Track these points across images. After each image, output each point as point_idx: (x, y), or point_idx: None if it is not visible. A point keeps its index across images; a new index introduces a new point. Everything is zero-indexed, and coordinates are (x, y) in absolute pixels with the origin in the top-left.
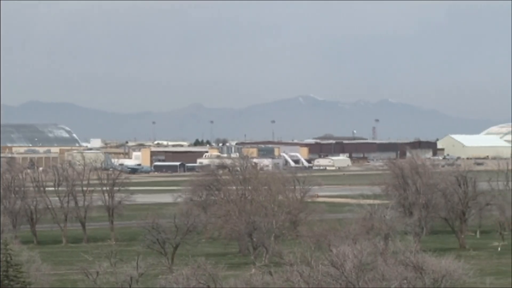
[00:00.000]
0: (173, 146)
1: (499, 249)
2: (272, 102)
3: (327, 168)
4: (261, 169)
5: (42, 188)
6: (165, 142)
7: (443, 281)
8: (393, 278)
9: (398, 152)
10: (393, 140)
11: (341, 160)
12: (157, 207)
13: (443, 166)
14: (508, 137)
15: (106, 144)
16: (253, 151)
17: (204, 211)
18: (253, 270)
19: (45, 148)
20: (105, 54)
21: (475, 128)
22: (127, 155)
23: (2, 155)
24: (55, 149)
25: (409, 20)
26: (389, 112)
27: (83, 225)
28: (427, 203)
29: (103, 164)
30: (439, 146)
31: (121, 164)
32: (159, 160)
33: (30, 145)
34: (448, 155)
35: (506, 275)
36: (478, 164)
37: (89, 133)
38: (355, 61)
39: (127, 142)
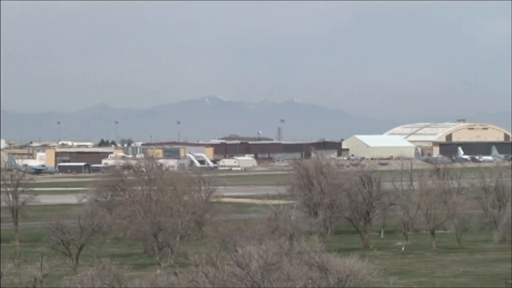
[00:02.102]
0: (78, 146)
1: (402, 249)
2: (177, 103)
3: (233, 168)
4: (167, 169)
5: None
6: (69, 143)
7: (348, 281)
8: (298, 278)
9: (303, 152)
10: (298, 141)
11: (247, 160)
12: (61, 208)
13: (347, 166)
14: (412, 138)
15: (10, 144)
16: (159, 151)
17: (109, 211)
18: (158, 271)
19: None
20: (7, 53)
21: (379, 128)
22: (31, 155)
23: None
24: None
25: (316, 21)
26: (295, 113)
27: None
28: (332, 203)
29: (7, 165)
30: (344, 146)
31: (25, 165)
32: (64, 161)
33: None
34: (352, 155)
35: (410, 274)
36: (382, 164)
37: None
38: (260, 62)
39: (31, 143)
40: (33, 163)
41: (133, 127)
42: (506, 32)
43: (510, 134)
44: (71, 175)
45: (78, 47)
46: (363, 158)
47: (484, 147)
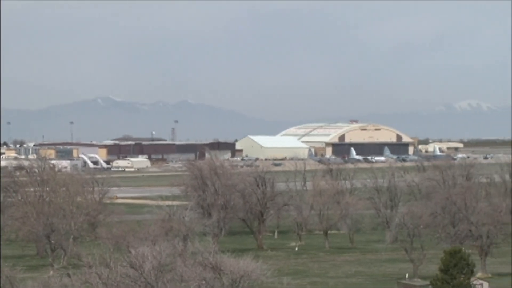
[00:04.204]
0: None
1: (296, 249)
2: (70, 103)
3: (126, 169)
4: (59, 170)
5: None
6: None
7: (241, 281)
8: (192, 279)
9: (197, 153)
10: (192, 141)
11: (140, 161)
12: None
13: (241, 167)
14: (305, 138)
15: None
16: (51, 152)
17: (1, 213)
18: (51, 272)
19: None
20: None
21: (273, 129)
22: None
23: None
24: None
25: (211, 21)
26: (189, 113)
27: None
28: (226, 204)
29: None
30: (238, 147)
31: None
32: None
33: None
34: (246, 156)
35: (303, 275)
36: (276, 165)
37: None
38: (154, 62)
39: None
40: None
41: (26, 128)
42: (398, 35)
43: (402, 135)
44: None
45: None
46: (257, 159)
47: (377, 148)
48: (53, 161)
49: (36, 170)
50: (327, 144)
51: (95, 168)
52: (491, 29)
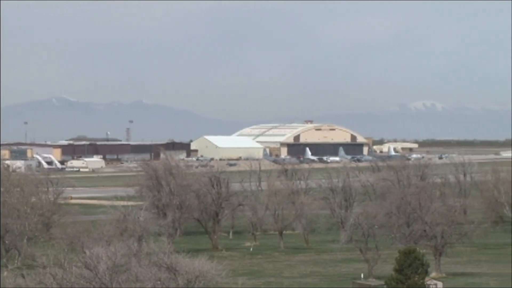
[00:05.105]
0: None
1: (251, 249)
2: (25, 103)
3: (81, 169)
4: (14, 170)
5: None
6: None
7: (197, 281)
8: (147, 279)
9: (152, 153)
10: (147, 141)
11: (95, 161)
12: None
13: (196, 167)
14: (260, 139)
15: None
16: (5, 152)
17: None
18: (5, 273)
19: None
20: None
21: (228, 129)
22: None
23: None
24: None
25: (167, 21)
26: (143, 113)
27: None
28: (181, 204)
29: None
30: (193, 147)
31: None
32: None
33: None
34: (202, 156)
35: (258, 275)
36: (231, 165)
37: None
38: (109, 62)
39: None
40: None
41: None
42: (354, 35)
43: (357, 135)
44: None
45: None
46: (212, 159)
47: (332, 148)
48: (7, 161)
49: None
50: (282, 144)
51: (49, 169)
52: (445, 29)
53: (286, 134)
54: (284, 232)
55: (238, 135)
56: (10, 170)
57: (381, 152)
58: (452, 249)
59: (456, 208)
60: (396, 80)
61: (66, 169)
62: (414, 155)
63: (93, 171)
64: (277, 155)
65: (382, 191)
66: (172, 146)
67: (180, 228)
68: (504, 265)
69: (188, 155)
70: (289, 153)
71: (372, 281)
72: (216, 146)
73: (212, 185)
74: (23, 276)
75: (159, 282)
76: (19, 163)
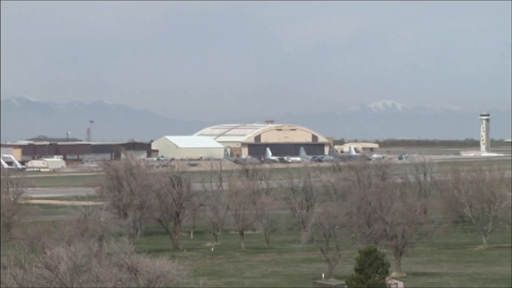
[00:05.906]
0: None
1: (212, 249)
2: None
3: (41, 169)
4: None
5: None
6: None
7: (157, 282)
8: (107, 279)
9: (113, 153)
10: (107, 141)
11: (55, 161)
12: None
13: (157, 167)
14: (221, 139)
15: None
16: None
17: None
18: None
19: None
20: None
21: (189, 129)
22: None
23: None
24: None
25: (127, 21)
26: (104, 113)
27: None
28: (142, 204)
29: None
30: (153, 147)
31: None
32: None
33: None
34: (162, 156)
35: (219, 275)
36: (192, 165)
37: None
38: (69, 62)
39: None
40: None
41: None
42: (314, 35)
43: (317, 135)
44: None
45: None
46: (172, 159)
47: (292, 148)
48: None
49: None
50: (243, 144)
51: (9, 169)
52: (405, 30)
53: (247, 134)
54: (245, 232)
55: (199, 135)
56: None
57: (342, 152)
58: (412, 249)
59: (416, 208)
60: (356, 80)
61: (27, 169)
62: (374, 155)
63: (54, 171)
64: (238, 155)
65: (343, 191)
66: (133, 146)
67: (141, 228)
68: (464, 265)
69: (149, 155)
70: (250, 153)
71: (333, 281)
72: (177, 146)
73: (173, 185)
74: None
75: (120, 282)
76: None
